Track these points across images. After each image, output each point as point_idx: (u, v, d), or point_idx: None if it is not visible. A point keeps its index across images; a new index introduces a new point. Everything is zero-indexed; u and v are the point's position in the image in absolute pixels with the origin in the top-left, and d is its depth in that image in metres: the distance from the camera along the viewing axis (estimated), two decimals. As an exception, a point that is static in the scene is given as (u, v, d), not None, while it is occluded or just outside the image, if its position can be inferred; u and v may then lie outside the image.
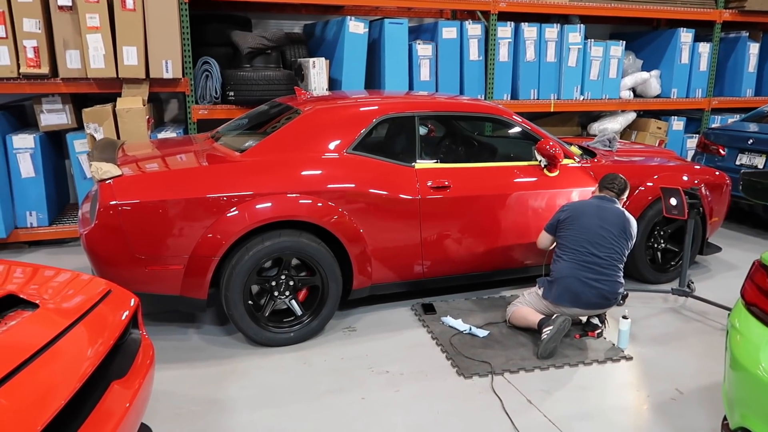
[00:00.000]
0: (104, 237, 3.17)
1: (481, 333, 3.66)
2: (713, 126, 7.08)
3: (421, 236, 3.79)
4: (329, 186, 3.50)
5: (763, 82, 7.81)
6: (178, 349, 3.48)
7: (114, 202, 3.15)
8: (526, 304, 3.70)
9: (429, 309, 4.00)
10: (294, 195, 3.41)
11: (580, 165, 4.28)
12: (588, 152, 4.65)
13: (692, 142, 7.50)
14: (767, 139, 5.82)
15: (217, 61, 5.47)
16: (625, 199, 3.83)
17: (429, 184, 3.78)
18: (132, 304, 2.26)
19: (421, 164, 3.84)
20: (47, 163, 5.23)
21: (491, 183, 3.96)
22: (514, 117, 4.20)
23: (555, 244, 3.76)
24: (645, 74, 6.93)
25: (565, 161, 4.19)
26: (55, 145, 5.57)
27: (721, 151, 6.20)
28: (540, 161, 4.12)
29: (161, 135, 5.31)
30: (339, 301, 3.65)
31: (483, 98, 6.10)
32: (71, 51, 4.93)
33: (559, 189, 4.11)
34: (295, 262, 3.53)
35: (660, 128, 7.35)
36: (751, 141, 5.93)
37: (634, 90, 7.16)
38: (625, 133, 7.43)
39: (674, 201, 3.96)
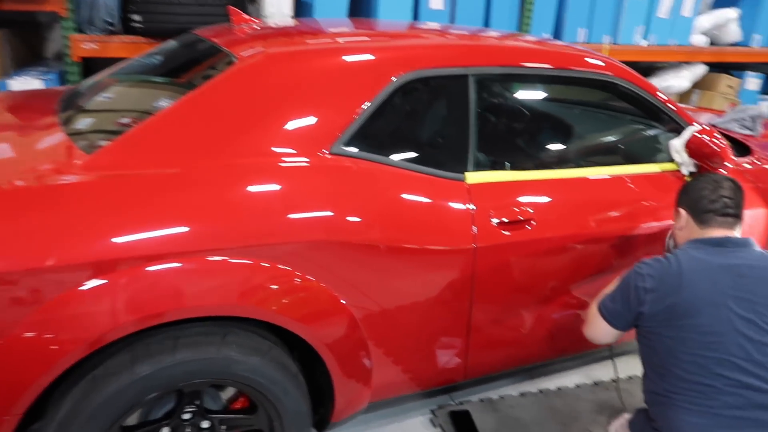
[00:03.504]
0: None
1: None
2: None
3: (470, 316, 1.94)
4: (290, 229, 1.60)
5: None
6: None
7: None
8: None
9: (463, 425, 2.18)
10: (206, 255, 1.50)
11: (735, 168, 2.42)
12: (733, 143, 2.78)
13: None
14: None
15: (117, -34, 3.41)
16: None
17: (491, 214, 1.89)
18: None
19: (479, 175, 1.94)
20: None
21: (609, 210, 2.09)
22: (645, 83, 2.27)
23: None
24: (730, 12, 5.04)
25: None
26: None
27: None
28: (682, 164, 2.26)
29: (19, 83, 3.28)
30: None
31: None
32: None
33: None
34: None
35: (731, 87, 5.58)
36: None
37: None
38: (685, 93, 5.62)
39: None
